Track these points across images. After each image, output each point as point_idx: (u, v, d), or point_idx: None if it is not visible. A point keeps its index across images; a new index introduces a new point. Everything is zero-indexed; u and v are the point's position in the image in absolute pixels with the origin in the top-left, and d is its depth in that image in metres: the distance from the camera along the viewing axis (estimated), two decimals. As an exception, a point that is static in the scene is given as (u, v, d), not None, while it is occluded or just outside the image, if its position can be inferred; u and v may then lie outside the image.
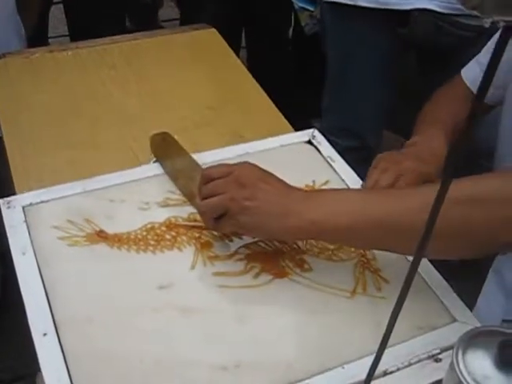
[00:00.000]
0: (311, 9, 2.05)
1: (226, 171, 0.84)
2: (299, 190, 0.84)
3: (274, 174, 0.85)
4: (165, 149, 1.04)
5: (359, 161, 1.04)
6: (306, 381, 0.73)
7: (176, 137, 1.06)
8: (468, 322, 0.81)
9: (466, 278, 1.04)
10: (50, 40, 2.30)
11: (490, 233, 0.73)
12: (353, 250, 0.89)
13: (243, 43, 2.36)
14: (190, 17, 2.14)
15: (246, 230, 0.83)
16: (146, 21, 2.68)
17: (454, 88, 1.14)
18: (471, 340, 0.65)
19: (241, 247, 0.88)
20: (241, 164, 0.85)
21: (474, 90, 1.07)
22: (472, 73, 1.11)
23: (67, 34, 2.31)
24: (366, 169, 0.98)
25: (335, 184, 0.99)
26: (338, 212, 0.77)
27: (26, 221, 0.89)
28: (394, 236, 0.76)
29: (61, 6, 2.23)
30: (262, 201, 0.79)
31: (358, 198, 0.79)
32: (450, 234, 0.71)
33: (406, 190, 0.80)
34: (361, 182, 0.99)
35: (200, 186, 0.86)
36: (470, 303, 0.87)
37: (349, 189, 0.87)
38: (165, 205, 0.94)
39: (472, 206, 0.72)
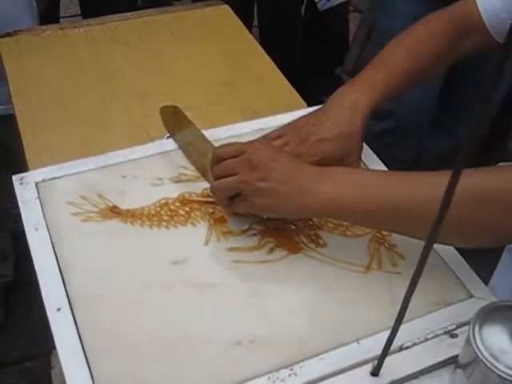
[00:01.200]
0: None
1: (237, 150, 0.82)
2: (314, 167, 0.82)
3: (286, 152, 0.83)
4: (176, 122, 1.04)
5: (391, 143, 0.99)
6: (321, 356, 0.73)
7: (189, 113, 1.05)
8: (484, 297, 0.80)
9: (480, 254, 1.03)
10: (61, 20, 2.30)
11: (499, 227, 0.72)
12: (368, 225, 0.88)
13: (255, 23, 2.35)
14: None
15: (261, 211, 0.83)
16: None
17: (455, 13, 0.97)
18: (488, 315, 0.65)
19: (255, 222, 0.87)
20: (252, 143, 0.84)
21: (487, 20, 0.93)
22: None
23: (79, 13, 2.31)
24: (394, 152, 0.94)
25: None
26: (354, 194, 0.76)
27: (38, 197, 0.88)
28: (410, 222, 0.75)
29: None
30: (275, 181, 0.78)
31: (376, 180, 0.78)
32: (458, 224, 0.70)
33: (426, 176, 0.77)
34: (377, 159, 0.98)
35: (212, 165, 0.85)
36: (485, 280, 0.86)
37: (366, 169, 0.85)
38: (178, 180, 0.93)
39: (480, 200, 0.71)
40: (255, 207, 0.81)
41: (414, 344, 0.74)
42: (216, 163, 0.84)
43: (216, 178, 0.84)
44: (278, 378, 0.71)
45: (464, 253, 0.86)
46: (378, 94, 0.91)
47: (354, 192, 0.76)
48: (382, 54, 0.97)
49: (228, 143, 0.87)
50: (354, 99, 0.90)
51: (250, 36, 1.35)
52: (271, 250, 0.85)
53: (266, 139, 0.91)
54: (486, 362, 0.61)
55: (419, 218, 0.73)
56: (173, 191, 0.91)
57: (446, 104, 1.75)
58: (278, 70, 1.23)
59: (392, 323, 0.61)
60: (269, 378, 0.70)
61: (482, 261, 0.94)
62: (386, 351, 0.65)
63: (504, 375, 0.60)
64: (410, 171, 0.79)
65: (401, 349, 0.74)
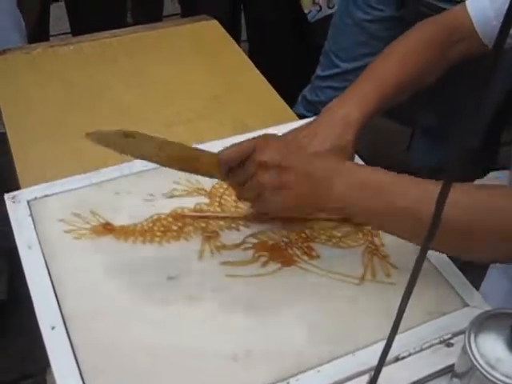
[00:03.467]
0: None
1: (244, 153, 0.80)
2: (328, 160, 0.80)
3: (295, 143, 0.84)
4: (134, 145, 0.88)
5: None
6: (317, 368, 0.73)
7: (180, 128, 1.06)
8: (479, 306, 0.80)
9: (468, 263, 1.03)
10: (51, 37, 2.29)
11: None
12: (361, 236, 0.88)
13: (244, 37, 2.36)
14: (190, 10, 2.13)
15: (281, 210, 0.83)
16: (151, 15, 2.65)
17: (447, 20, 0.98)
18: (483, 323, 0.64)
19: (248, 236, 0.87)
20: (260, 139, 0.81)
21: (478, 28, 0.94)
22: (479, 3, 0.94)
23: (69, 31, 2.31)
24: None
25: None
26: (364, 194, 0.75)
27: (31, 215, 0.88)
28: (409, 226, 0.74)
29: (62, 3, 2.22)
30: (290, 178, 0.77)
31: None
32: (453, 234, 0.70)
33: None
34: None
35: (223, 174, 0.83)
36: (475, 288, 0.86)
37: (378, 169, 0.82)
38: (170, 196, 0.93)
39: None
40: (276, 206, 0.80)
41: (410, 354, 0.74)
42: (227, 172, 0.83)
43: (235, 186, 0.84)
44: (274, 391, 0.70)
45: (454, 261, 0.86)
46: (370, 106, 0.90)
47: (365, 192, 0.75)
48: (373, 65, 0.96)
49: (232, 145, 0.83)
50: (345, 112, 0.89)
51: (240, 50, 1.36)
52: (265, 264, 0.84)
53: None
54: (483, 371, 0.61)
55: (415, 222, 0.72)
56: (165, 206, 0.91)
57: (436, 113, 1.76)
58: (268, 84, 1.23)
59: (387, 334, 0.61)
60: (265, 392, 0.70)
61: (472, 268, 0.94)
62: (381, 362, 0.65)
63: (500, 383, 0.60)
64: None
65: (397, 359, 0.74)
